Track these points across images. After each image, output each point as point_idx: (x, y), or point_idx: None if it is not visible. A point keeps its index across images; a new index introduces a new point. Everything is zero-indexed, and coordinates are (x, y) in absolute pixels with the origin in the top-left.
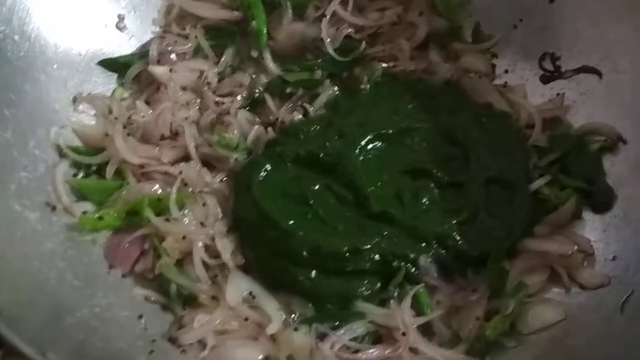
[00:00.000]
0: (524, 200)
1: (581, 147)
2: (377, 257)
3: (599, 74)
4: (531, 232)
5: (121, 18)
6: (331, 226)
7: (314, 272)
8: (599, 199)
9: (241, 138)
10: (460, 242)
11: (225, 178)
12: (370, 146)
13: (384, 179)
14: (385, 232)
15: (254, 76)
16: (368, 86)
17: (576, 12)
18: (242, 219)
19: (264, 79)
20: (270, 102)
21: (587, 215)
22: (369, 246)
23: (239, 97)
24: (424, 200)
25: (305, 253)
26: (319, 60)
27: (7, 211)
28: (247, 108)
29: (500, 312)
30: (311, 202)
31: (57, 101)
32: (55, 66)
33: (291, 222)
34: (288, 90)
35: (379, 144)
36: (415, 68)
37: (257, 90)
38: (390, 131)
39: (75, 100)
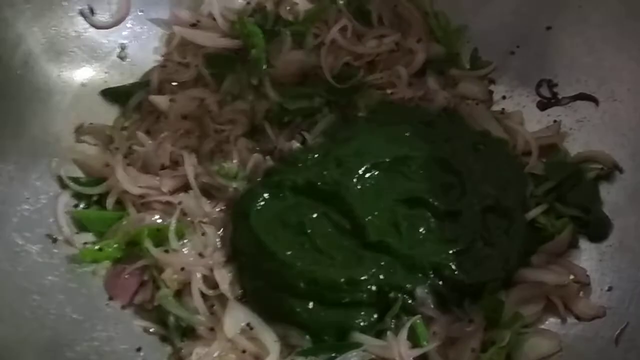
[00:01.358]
0: (520, 229)
1: (578, 176)
2: (374, 288)
3: (595, 101)
4: (527, 262)
5: (123, 47)
6: (328, 256)
7: (311, 304)
8: (595, 228)
9: (240, 167)
10: (456, 272)
11: (224, 207)
12: (367, 175)
13: (381, 207)
14: (382, 263)
15: (253, 104)
16: (366, 114)
17: (573, 39)
18: (239, 250)
19: (263, 107)
20: (269, 130)
21: (583, 244)
22: (365, 277)
23: (238, 125)
24: (421, 230)
25: (302, 284)
26: (318, 88)
27: (9, 245)
28: (246, 136)
29: (496, 343)
30: (309, 231)
31: (59, 132)
32: (57, 97)
33: (288, 252)
34: (286, 118)
35: (376, 172)
36: (413, 95)
37: (257, 118)
38: (387, 160)
39: (77, 131)
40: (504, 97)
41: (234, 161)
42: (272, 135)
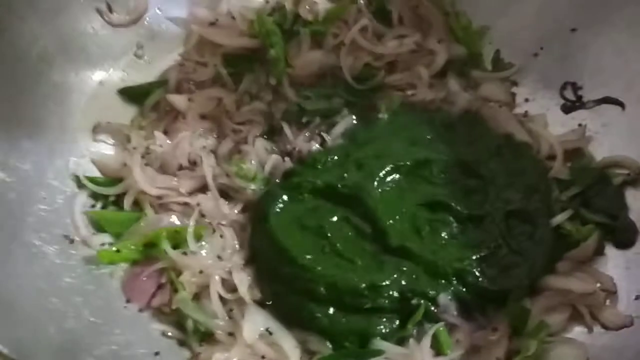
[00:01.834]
0: (545, 235)
1: (603, 181)
2: (395, 294)
3: (621, 105)
4: (552, 269)
5: (140, 46)
6: (349, 261)
7: (331, 309)
8: (622, 234)
9: (259, 168)
10: (480, 278)
11: (242, 209)
12: (388, 178)
13: (402, 211)
14: (404, 268)
15: (271, 104)
16: (386, 115)
17: (598, 41)
18: (258, 253)
19: (281, 107)
20: (287, 130)
21: (609, 251)
22: (387, 283)
23: (256, 125)
24: (443, 234)
25: (322, 289)
26: (337, 89)
27: (26, 246)
28: (265, 137)
29: (521, 352)
30: (329, 234)
31: (76, 131)
32: (74, 95)
33: (308, 256)
34: (305, 119)
35: (397, 175)
36: (434, 97)
37: (275, 118)
38: (408, 163)
39: (94, 129)
40: (526, 100)
41: (252, 162)
42: (290, 136)
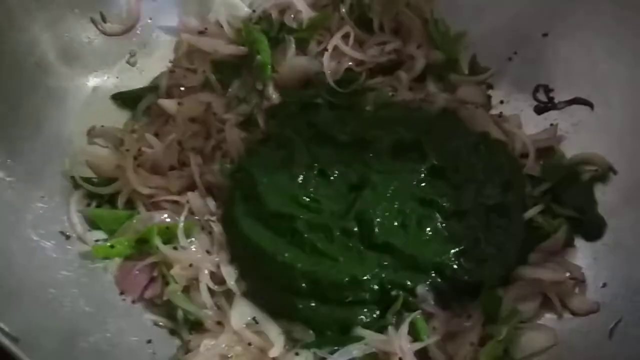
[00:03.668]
0: (519, 228)
1: (573, 177)
2: (376, 287)
3: (590, 105)
4: (525, 260)
5: (132, 54)
6: (331, 258)
7: (313, 302)
8: (590, 227)
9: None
10: (458, 271)
11: None
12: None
13: (395, 207)
14: (385, 262)
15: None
16: (372, 109)
17: (569, 45)
18: (237, 255)
19: (265, 104)
20: (261, 120)
21: (579, 243)
22: (368, 277)
23: (234, 118)
24: (428, 230)
25: (304, 285)
26: (320, 91)
27: (25, 241)
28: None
29: (494, 337)
30: (305, 235)
31: (71, 134)
32: (70, 101)
33: (286, 254)
34: (282, 114)
35: (392, 163)
36: (414, 97)
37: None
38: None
39: (89, 133)
40: (501, 102)
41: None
42: (263, 126)
